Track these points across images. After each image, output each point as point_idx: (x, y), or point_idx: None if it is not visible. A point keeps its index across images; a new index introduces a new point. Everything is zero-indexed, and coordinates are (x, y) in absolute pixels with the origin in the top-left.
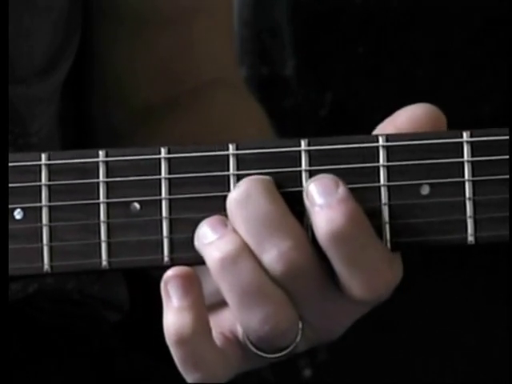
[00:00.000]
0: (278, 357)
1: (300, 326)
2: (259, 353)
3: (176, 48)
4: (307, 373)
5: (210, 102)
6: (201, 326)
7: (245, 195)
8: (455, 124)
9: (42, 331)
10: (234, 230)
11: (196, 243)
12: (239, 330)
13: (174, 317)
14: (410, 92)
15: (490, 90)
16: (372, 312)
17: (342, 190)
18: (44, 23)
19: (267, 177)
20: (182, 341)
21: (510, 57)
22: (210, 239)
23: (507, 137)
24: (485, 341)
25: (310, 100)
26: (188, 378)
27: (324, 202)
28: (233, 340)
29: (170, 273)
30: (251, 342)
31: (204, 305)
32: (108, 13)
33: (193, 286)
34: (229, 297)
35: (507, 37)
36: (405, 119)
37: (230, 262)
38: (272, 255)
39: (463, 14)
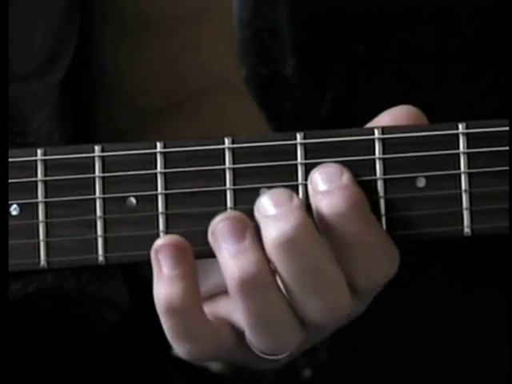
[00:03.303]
0: (279, 359)
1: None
2: (261, 355)
3: (180, 50)
4: (307, 373)
5: (211, 106)
6: (191, 297)
7: (293, 246)
8: None
9: (42, 331)
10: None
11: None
12: (236, 320)
13: (164, 286)
14: (410, 92)
15: (490, 90)
16: (372, 312)
17: (345, 177)
18: (41, 21)
19: (301, 207)
20: (172, 311)
21: (509, 57)
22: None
23: (503, 128)
24: (485, 340)
25: (310, 100)
26: (177, 349)
27: (327, 188)
28: (227, 322)
29: (160, 242)
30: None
31: (195, 276)
32: (112, 13)
33: (185, 256)
34: (244, 316)
35: (507, 37)
36: (388, 121)
37: (251, 287)
38: (320, 310)
39: (463, 14)
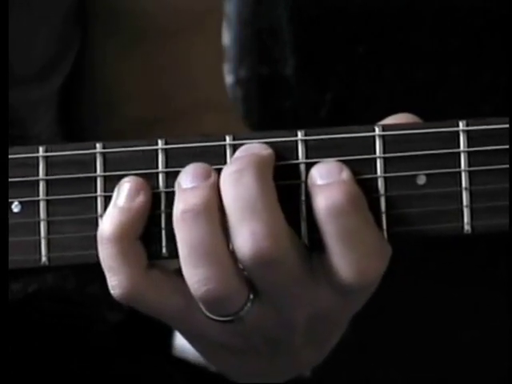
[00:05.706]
0: (220, 321)
1: (249, 299)
2: (202, 308)
3: (169, 65)
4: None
5: (196, 124)
6: (129, 230)
7: (238, 175)
8: None
9: (42, 331)
10: (212, 186)
11: (175, 185)
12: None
13: (110, 212)
14: (410, 92)
15: (490, 90)
16: (372, 312)
17: (345, 173)
18: (43, 26)
19: (266, 153)
20: (100, 237)
21: (510, 57)
22: (184, 186)
23: (503, 125)
24: (485, 338)
25: (310, 100)
26: (108, 281)
27: (326, 182)
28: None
29: (127, 178)
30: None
31: (143, 216)
32: (105, 23)
33: (140, 194)
34: (179, 247)
35: (507, 37)
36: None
37: (189, 216)
38: (244, 238)
39: (463, 14)
